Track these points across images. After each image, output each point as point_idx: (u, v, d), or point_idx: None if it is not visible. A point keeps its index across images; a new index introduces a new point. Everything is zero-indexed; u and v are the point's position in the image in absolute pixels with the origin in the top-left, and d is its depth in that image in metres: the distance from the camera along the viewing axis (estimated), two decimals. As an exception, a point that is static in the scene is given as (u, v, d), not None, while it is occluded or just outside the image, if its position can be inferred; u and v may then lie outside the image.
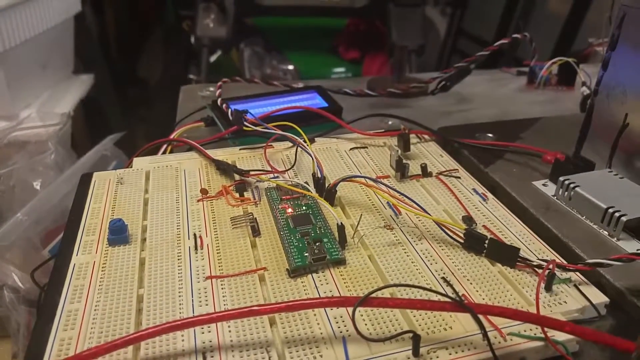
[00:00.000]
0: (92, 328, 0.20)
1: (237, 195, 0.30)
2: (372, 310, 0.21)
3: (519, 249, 0.24)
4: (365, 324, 0.20)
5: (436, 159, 0.35)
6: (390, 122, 0.42)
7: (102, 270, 0.23)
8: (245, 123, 0.35)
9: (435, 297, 0.21)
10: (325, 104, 0.42)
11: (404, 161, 0.32)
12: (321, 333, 0.20)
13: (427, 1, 1.24)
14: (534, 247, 0.25)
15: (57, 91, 0.73)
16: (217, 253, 0.25)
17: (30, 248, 0.44)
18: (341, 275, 0.23)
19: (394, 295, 0.22)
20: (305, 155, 0.33)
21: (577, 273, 0.23)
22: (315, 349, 0.19)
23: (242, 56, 1.05)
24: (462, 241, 0.25)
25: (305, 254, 0.24)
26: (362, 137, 0.37)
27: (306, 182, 0.30)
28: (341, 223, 0.25)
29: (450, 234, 0.25)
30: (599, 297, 0.22)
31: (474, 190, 0.31)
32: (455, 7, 1.32)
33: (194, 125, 0.39)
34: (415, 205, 0.26)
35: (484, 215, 0.28)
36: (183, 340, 0.19)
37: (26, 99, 0.65)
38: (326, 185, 0.29)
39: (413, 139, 0.37)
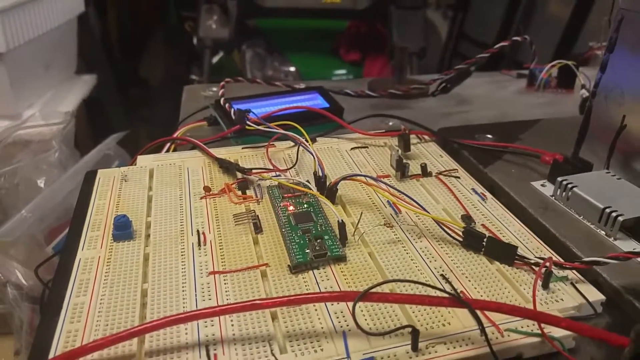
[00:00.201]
0: (97, 321, 0.20)
1: (239, 193, 0.30)
2: (371, 306, 0.21)
3: (516, 247, 0.24)
4: (365, 319, 0.21)
5: (436, 159, 0.35)
6: (390, 123, 0.43)
7: (107, 265, 0.24)
8: (247, 122, 0.35)
9: (434, 293, 0.22)
10: (327, 105, 0.42)
11: (404, 161, 0.32)
12: (322, 327, 0.20)
13: (429, 4, 1.25)
14: (531, 246, 0.26)
15: (60, 91, 0.73)
16: (220, 249, 0.25)
17: (34, 245, 0.44)
18: (342, 271, 0.24)
19: (394, 291, 0.22)
20: (307, 155, 0.34)
21: (574, 271, 0.24)
22: (316, 343, 0.19)
23: (244, 57, 1.05)
24: (461, 239, 0.26)
25: (307, 251, 0.24)
26: (363, 137, 0.38)
27: (307, 181, 0.31)
28: (342, 220, 0.25)
29: (450, 232, 0.26)
30: (595, 295, 0.22)
31: (473, 190, 0.31)
32: (456, 10, 1.32)
33: (197, 124, 0.40)
34: (415, 204, 0.27)
35: (482, 215, 0.29)
36: (187, 334, 0.20)
37: (29, 98, 0.66)
38: (327, 183, 0.29)
39: (413, 139, 0.37)
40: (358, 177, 0.29)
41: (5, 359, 0.45)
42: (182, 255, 0.25)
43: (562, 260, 0.24)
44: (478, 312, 0.20)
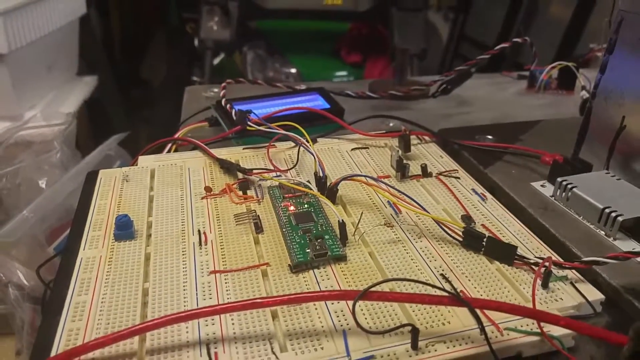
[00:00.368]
0: (99, 319, 0.20)
1: (240, 193, 0.30)
2: (371, 305, 0.21)
3: (516, 247, 0.24)
4: (365, 318, 0.21)
5: (436, 159, 0.35)
6: (391, 124, 0.43)
7: (109, 264, 0.24)
8: (248, 123, 0.35)
9: (433, 292, 0.22)
10: (328, 106, 0.42)
11: (405, 161, 0.33)
12: (322, 326, 0.20)
13: (430, 6, 1.25)
14: (531, 246, 0.26)
15: (61, 92, 0.74)
16: (221, 249, 0.25)
17: (35, 245, 0.44)
18: (342, 271, 0.24)
19: (393, 290, 0.22)
20: (307, 156, 0.34)
21: (574, 271, 0.24)
22: (317, 342, 0.20)
23: (245, 59, 1.06)
24: (460, 239, 0.26)
25: (307, 250, 0.24)
26: (363, 138, 0.38)
27: (308, 181, 0.31)
28: (342, 220, 0.26)
29: (450, 232, 0.26)
30: (594, 295, 0.22)
31: (473, 190, 0.31)
32: (457, 12, 1.33)
33: (198, 125, 0.40)
34: (415, 204, 0.27)
35: (482, 215, 0.29)
36: (187, 332, 0.20)
37: (31, 99, 0.66)
38: (328, 184, 0.29)
39: (413, 140, 0.37)
40: (358, 178, 0.29)
41: (7, 359, 0.45)
42: (183, 254, 0.25)
43: (561, 260, 0.24)
44: (478, 311, 0.20)
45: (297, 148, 0.34)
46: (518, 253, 0.24)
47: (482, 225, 0.28)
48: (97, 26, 1.10)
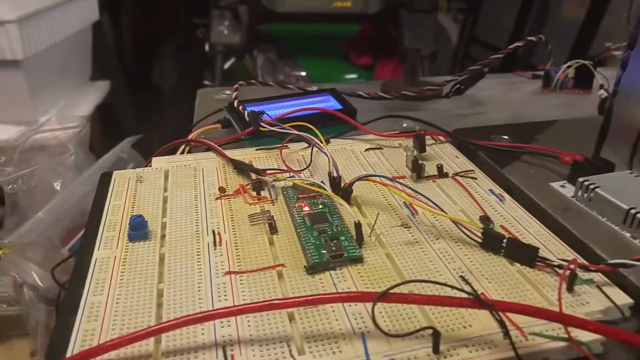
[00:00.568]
0: (114, 320, 0.20)
1: (254, 193, 0.30)
2: (390, 307, 0.21)
3: (538, 249, 0.24)
4: (384, 321, 0.20)
5: (452, 160, 0.35)
6: (404, 124, 0.42)
7: (123, 265, 0.24)
8: (261, 124, 0.35)
9: (453, 294, 0.21)
10: (340, 107, 0.42)
11: (420, 162, 0.32)
12: (340, 329, 0.20)
13: (439, 8, 1.25)
14: (553, 248, 0.25)
15: (74, 97, 0.75)
16: (236, 249, 0.25)
17: (50, 246, 0.45)
18: (359, 273, 0.23)
19: (412, 293, 0.22)
20: (321, 156, 0.33)
21: (599, 274, 0.23)
22: (335, 345, 0.19)
23: (256, 63, 1.06)
24: (479, 240, 0.25)
25: (323, 251, 0.24)
26: (377, 138, 0.37)
27: (322, 182, 0.30)
28: (358, 221, 0.25)
29: (468, 233, 0.25)
30: (622, 299, 0.22)
31: (491, 191, 0.31)
32: (467, 14, 1.32)
33: (211, 126, 0.40)
34: (432, 205, 0.26)
35: (501, 216, 0.28)
36: (203, 334, 0.20)
37: (46, 104, 0.67)
38: (342, 184, 0.29)
39: (428, 140, 0.36)
40: (373, 178, 0.29)
41: (21, 361, 0.46)
42: (197, 255, 0.24)
43: (586, 263, 0.23)
44: (500, 314, 0.19)
45: (310, 149, 0.34)
46: (540, 255, 0.24)
47: (501, 226, 0.27)
48: (109, 32, 1.11)
